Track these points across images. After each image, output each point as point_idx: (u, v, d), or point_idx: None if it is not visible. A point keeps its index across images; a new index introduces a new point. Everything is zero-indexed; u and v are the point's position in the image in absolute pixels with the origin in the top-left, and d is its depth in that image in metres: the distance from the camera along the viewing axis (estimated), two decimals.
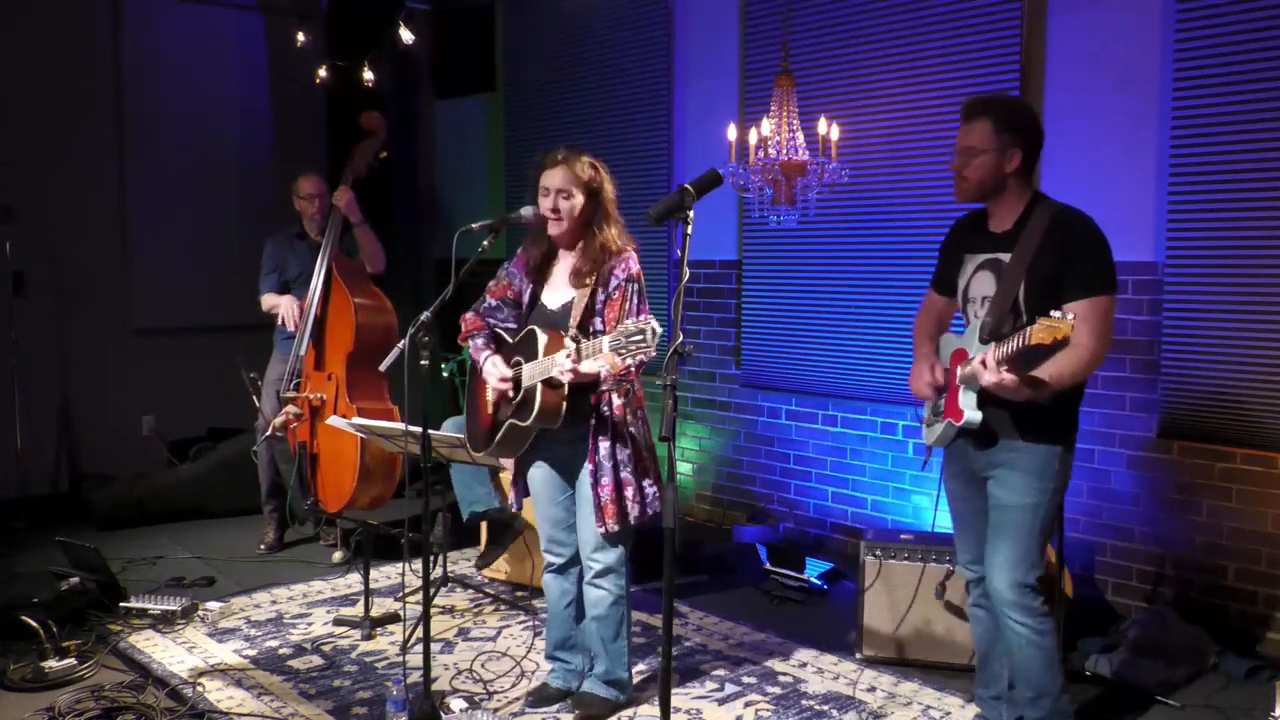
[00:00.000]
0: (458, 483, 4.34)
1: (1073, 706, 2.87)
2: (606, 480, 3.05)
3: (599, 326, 3.04)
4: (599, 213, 3.08)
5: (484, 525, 4.38)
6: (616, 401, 3.05)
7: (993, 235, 2.83)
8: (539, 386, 2.94)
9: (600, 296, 3.05)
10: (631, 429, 3.09)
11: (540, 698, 3.32)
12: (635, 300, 3.05)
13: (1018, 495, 2.76)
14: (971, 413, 2.73)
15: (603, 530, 3.07)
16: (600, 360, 2.80)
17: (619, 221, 3.14)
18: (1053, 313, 2.40)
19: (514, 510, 3.60)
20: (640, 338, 2.53)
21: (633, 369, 2.95)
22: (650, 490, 3.11)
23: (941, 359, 2.95)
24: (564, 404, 2.97)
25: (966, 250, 2.91)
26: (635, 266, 3.08)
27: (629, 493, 3.07)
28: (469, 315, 3.27)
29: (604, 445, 3.05)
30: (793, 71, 4.29)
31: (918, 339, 3.07)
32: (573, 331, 2.98)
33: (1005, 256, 2.75)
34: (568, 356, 2.83)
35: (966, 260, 2.90)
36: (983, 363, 2.57)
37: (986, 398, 2.70)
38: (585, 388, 3.00)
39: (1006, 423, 2.75)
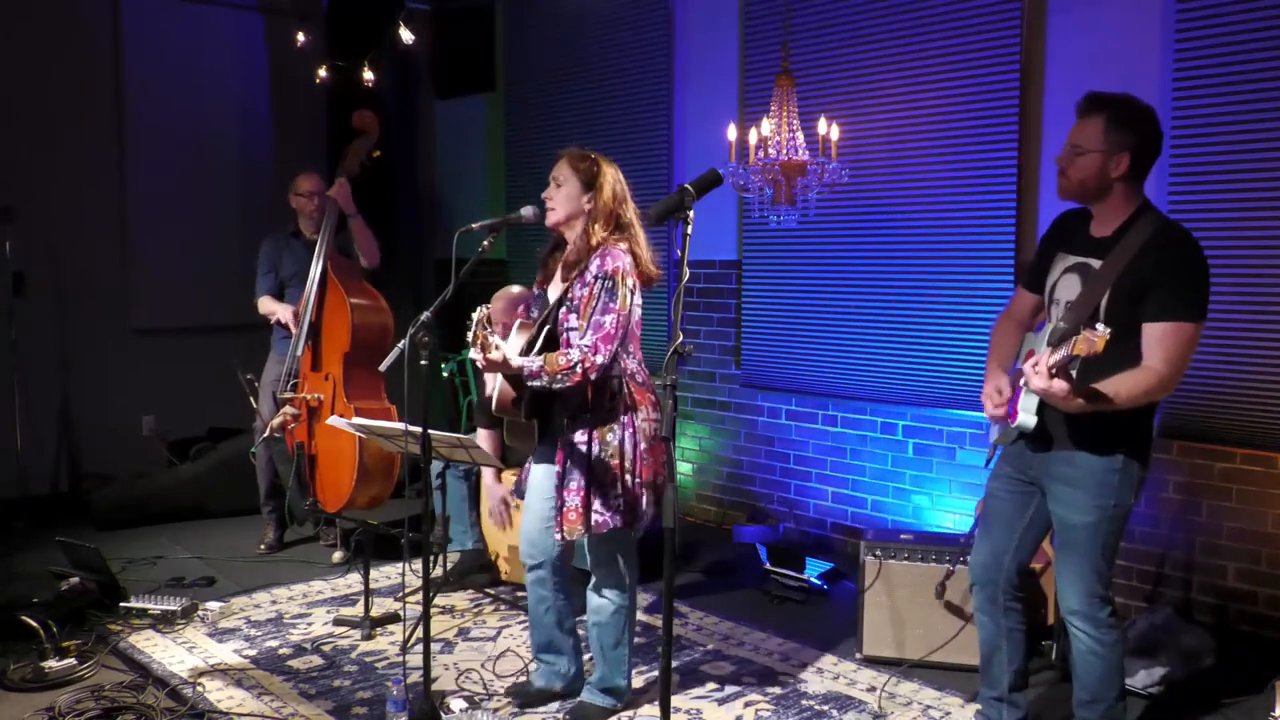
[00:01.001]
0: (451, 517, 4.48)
1: (1127, 715, 2.83)
2: (574, 485, 3.00)
3: (573, 323, 2.99)
4: (594, 208, 3.04)
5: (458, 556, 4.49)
6: (592, 404, 3.00)
7: (1090, 239, 2.71)
8: (499, 378, 3.04)
9: (578, 291, 3.00)
10: (609, 434, 3.01)
11: (523, 693, 3.31)
12: (602, 298, 2.95)
13: (1078, 514, 2.70)
14: (1026, 416, 2.66)
15: (560, 539, 3.04)
16: (521, 358, 2.89)
17: (623, 224, 3.07)
18: (1096, 325, 2.34)
19: (493, 554, 3.67)
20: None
21: (575, 373, 2.90)
22: (616, 500, 3.00)
23: (1020, 359, 2.87)
24: (519, 396, 3.01)
25: (1061, 248, 2.80)
26: (613, 263, 2.96)
27: (592, 500, 2.99)
28: (497, 312, 3.38)
29: (576, 448, 3.01)
30: (793, 71, 4.28)
31: (989, 356, 2.96)
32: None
33: (1096, 263, 2.64)
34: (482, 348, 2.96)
35: (1058, 259, 2.79)
36: (1034, 366, 2.51)
37: (1046, 402, 2.63)
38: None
39: (1062, 427, 2.68)
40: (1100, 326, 2.33)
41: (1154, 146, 2.66)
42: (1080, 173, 2.65)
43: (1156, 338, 2.55)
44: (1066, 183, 2.70)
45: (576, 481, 3.00)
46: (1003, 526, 2.91)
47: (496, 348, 2.86)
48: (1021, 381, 2.68)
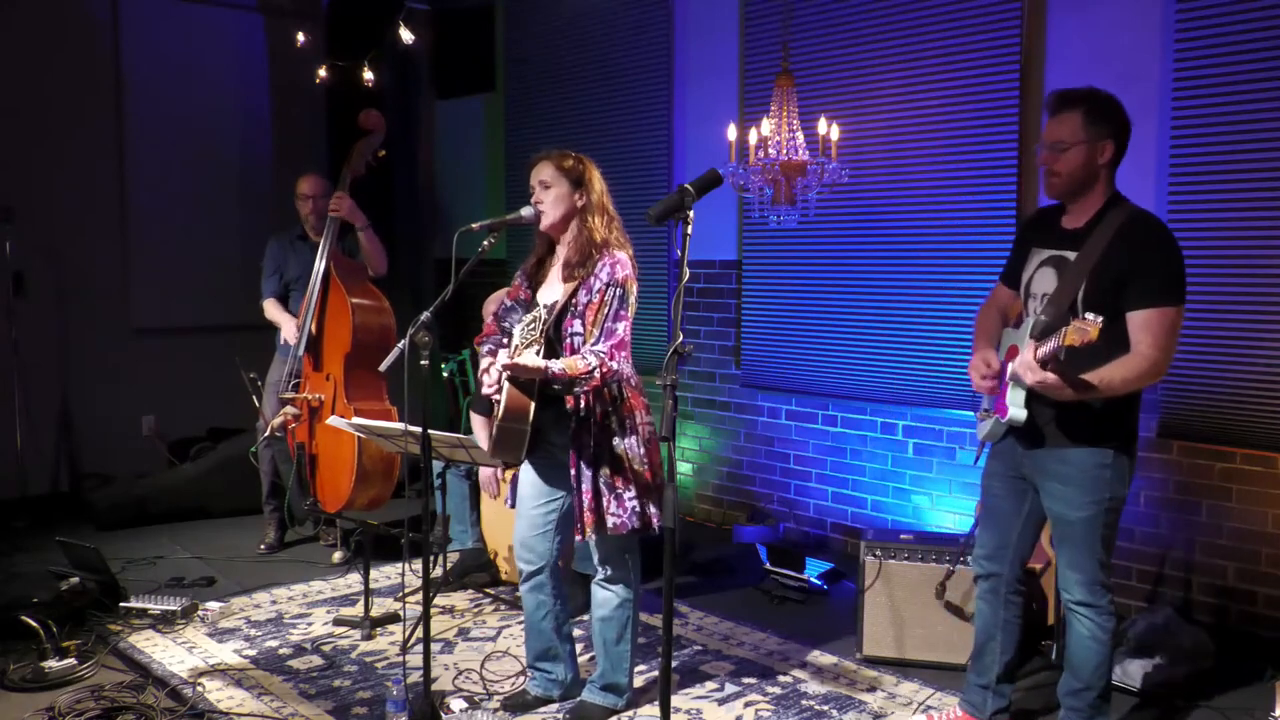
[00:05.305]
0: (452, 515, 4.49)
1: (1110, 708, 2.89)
2: (586, 487, 3.01)
3: (577, 328, 3.00)
4: (587, 205, 3.07)
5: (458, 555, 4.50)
6: (597, 408, 3.01)
7: (1064, 231, 2.78)
8: (507, 386, 2.98)
9: (583, 297, 3.01)
10: (615, 437, 3.02)
11: (517, 703, 3.29)
12: (615, 305, 2.99)
13: (1072, 509, 2.75)
14: (1016, 410, 2.71)
15: (581, 539, 3.05)
16: (545, 360, 2.87)
17: (611, 216, 3.11)
18: (1086, 315, 2.39)
19: (493, 553, 3.68)
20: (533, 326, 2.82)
21: (595, 377, 2.92)
22: (630, 502, 3.01)
23: (1001, 354, 2.91)
24: (530, 404, 2.97)
25: (1035, 244, 2.86)
26: (622, 272, 3.00)
27: (605, 502, 3.01)
28: (490, 320, 3.32)
29: (585, 451, 3.02)
30: (793, 71, 4.28)
31: (976, 335, 3.04)
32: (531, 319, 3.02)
33: (1071, 255, 2.71)
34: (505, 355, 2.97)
35: (1032, 254, 2.85)
36: (1024, 364, 2.57)
37: (1034, 396, 2.69)
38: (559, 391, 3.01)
39: (1051, 423, 2.74)
40: (1090, 316, 2.38)
41: (1129, 132, 2.75)
42: (1069, 166, 2.71)
43: (1142, 324, 2.61)
44: (1057, 180, 2.75)
45: (588, 484, 3.01)
46: (1006, 521, 2.96)
47: (522, 348, 2.91)
48: (1009, 376, 2.73)
